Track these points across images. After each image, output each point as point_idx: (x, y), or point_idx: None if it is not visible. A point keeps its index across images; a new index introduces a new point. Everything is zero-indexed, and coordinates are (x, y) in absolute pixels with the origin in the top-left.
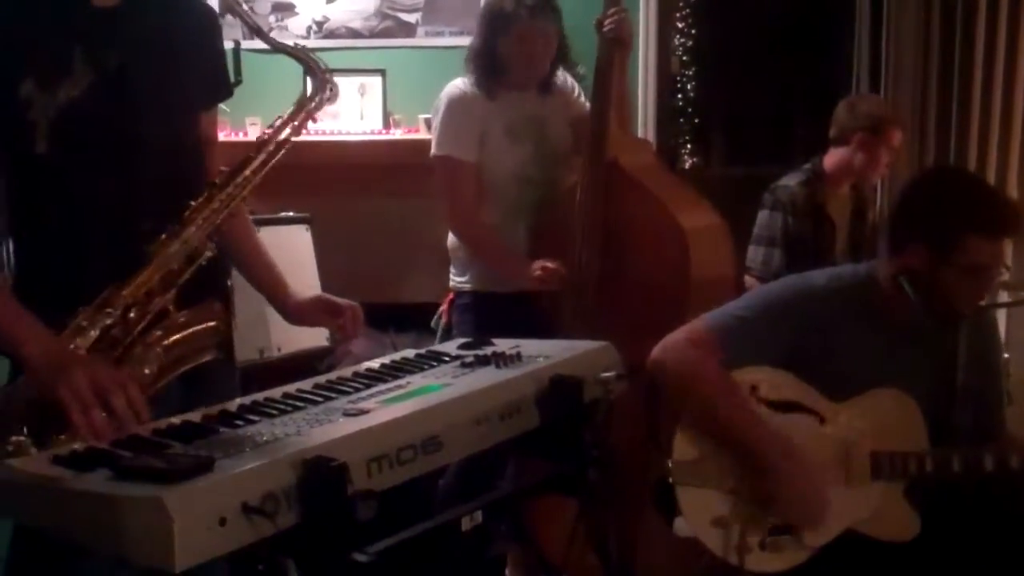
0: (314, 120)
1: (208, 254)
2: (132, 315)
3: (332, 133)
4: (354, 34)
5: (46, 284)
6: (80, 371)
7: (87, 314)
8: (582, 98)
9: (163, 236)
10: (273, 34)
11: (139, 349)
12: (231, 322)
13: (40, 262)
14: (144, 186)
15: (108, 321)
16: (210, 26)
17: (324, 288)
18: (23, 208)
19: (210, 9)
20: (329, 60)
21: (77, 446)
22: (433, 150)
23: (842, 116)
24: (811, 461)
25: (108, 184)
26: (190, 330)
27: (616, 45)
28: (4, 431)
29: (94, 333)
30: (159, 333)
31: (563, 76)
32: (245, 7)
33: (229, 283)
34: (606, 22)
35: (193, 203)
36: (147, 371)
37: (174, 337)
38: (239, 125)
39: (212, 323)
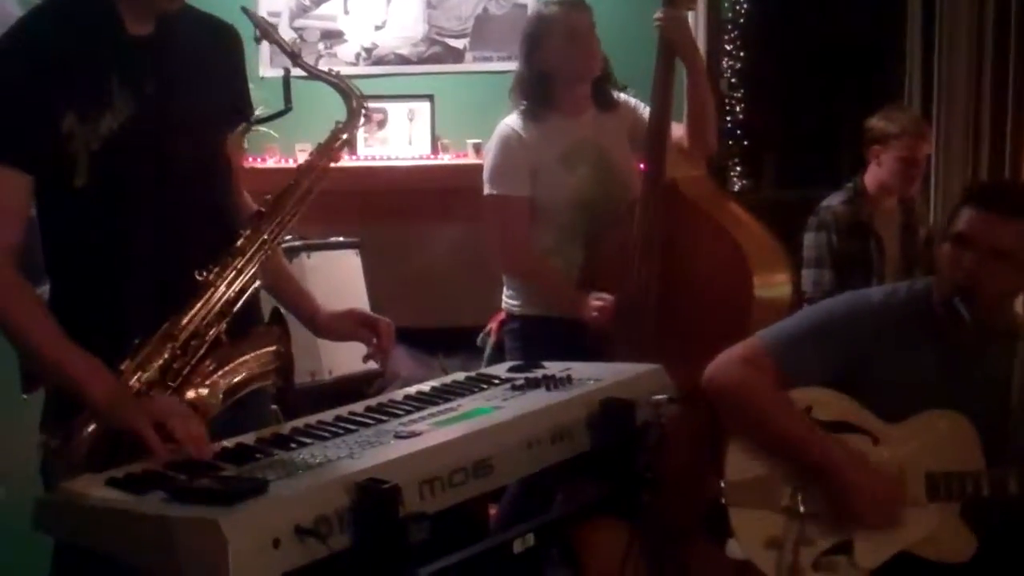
0: (352, 144)
1: (258, 283)
2: (192, 345)
3: (381, 158)
4: (403, 60)
5: (88, 318)
6: (147, 403)
7: (151, 347)
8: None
9: (217, 267)
10: (322, 61)
11: (198, 378)
12: (290, 345)
13: (81, 296)
14: (183, 213)
15: (169, 353)
16: (235, 48)
17: (374, 311)
18: (61, 244)
19: (235, 32)
20: (378, 86)
21: (132, 468)
22: (485, 190)
23: (863, 134)
24: (874, 466)
25: (149, 213)
26: (252, 354)
27: (666, 46)
28: (69, 469)
29: (158, 364)
30: (216, 363)
31: (626, 97)
32: (291, 33)
33: (281, 309)
34: (656, 19)
35: (244, 232)
36: (212, 401)
37: (237, 361)
38: (289, 152)
39: (272, 347)
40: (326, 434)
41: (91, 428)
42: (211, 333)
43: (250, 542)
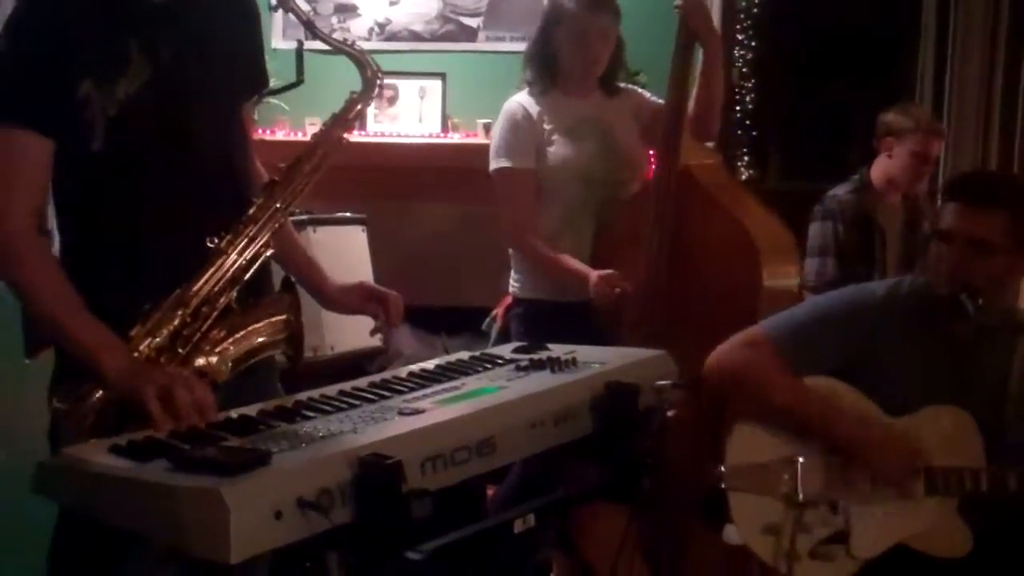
0: (362, 118)
1: (270, 251)
2: (202, 311)
3: (390, 135)
4: (416, 37)
5: (100, 283)
6: (155, 372)
7: (162, 312)
8: (654, 98)
9: (229, 235)
10: (335, 35)
11: (208, 345)
12: (300, 314)
13: (94, 260)
14: (200, 181)
15: (179, 319)
16: (252, 17)
17: None
18: (76, 207)
19: (252, 1)
20: (390, 62)
21: (135, 436)
22: (491, 165)
23: (877, 126)
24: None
25: (165, 179)
26: (263, 322)
27: (686, 31)
28: (78, 432)
29: (168, 330)
30: (226, 330)
31: (631, 87)
32: (304, 5)
33: (292, 278)
34: (676, 6)
35: (256, 200)
36: (221, 368)
37: (247, 329)
38: (299, 125)
39: (283, 316)
40: (329, 408)
41: (100, 393)
42: (222, 300)
43: (252, 512)
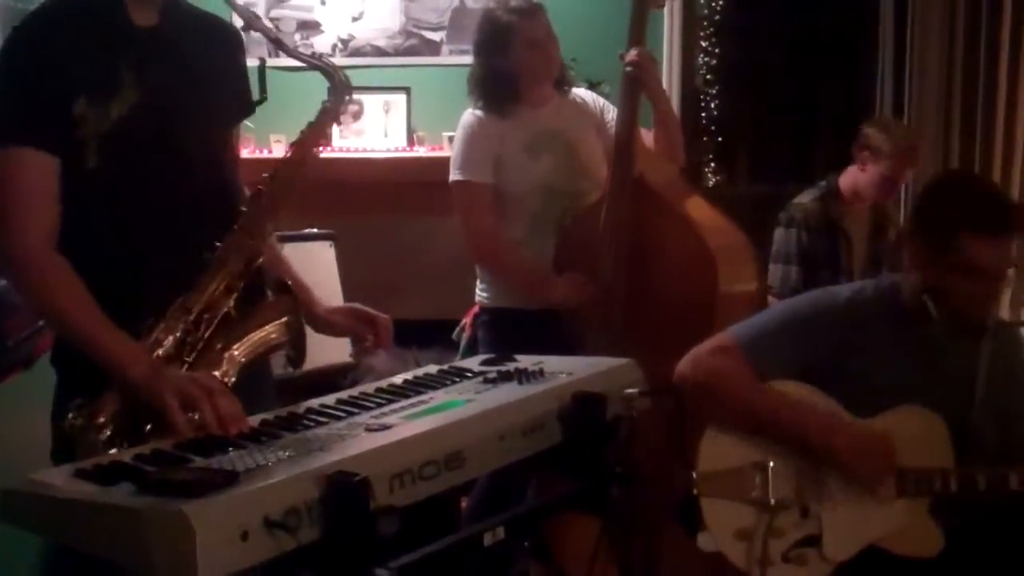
0: (338, 124)
1: (262, 258)
2: (204, 319)
3: (356, 150)
4: (379, 52)
5: (100, 297)
6: (178, 380)
7: (166, 323)
8: (613, 118)
9: (222, 243)
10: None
11: (212, 353)
12: (300, 314)
13: (93, 275)
14: (192, 196)
15: (182, 330)
16: (236, 45)
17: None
18: (72, 223)
19: (235, 29)
20: (354, 78)
21: (100, 459)
22: (450, 177)
23: (858, 134)
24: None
25: (159, 196)
26: (264, 326)
27: (633, 81)
28: (92, 447)
29: (172, 340)
30: (228, 336)
31: (592, 97)
32: (267, 23)
33: (288, 281)
34: (627, 59)
35: (244, 209)
36: (227, 380)
37: (251, 333)
38: (264, 143)
39: (283, 318)
40: (297, 426)
41: (113, 407)
42: (221, 308)
43: (219, 534)
